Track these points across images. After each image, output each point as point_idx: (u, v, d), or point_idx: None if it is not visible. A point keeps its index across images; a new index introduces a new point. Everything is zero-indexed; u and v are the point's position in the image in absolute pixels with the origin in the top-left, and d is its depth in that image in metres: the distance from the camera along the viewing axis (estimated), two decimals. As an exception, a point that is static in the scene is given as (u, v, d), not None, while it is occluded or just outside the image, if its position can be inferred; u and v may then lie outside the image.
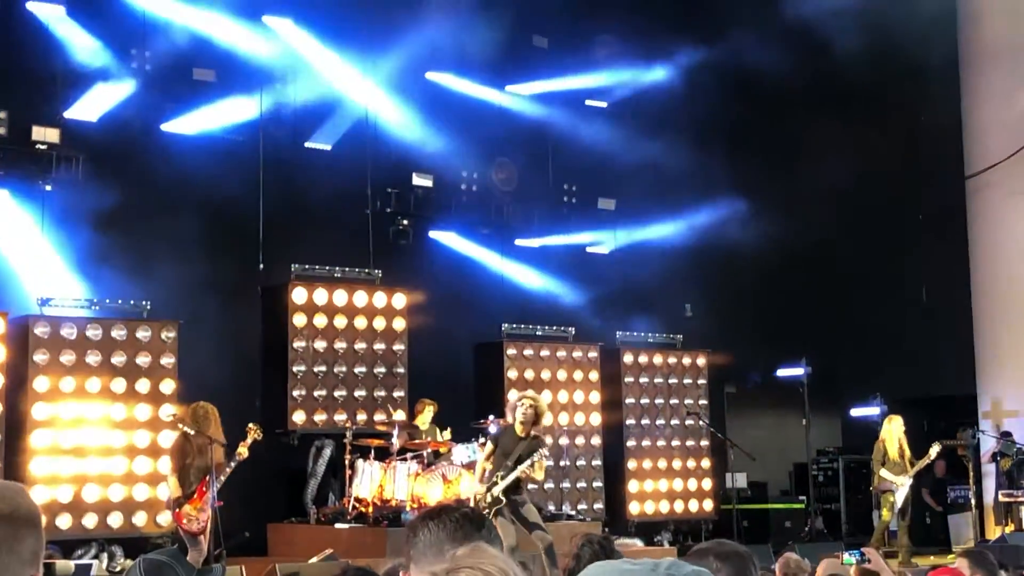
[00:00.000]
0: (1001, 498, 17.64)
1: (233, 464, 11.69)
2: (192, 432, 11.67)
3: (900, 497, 15.53)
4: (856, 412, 19.40)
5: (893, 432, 15.74)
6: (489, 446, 11.96)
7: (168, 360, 14.26)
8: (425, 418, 14.90)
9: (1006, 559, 11.45)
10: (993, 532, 17.12)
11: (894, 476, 15.48)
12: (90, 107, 14.91)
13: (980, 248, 19.21)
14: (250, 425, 11.88)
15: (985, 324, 19.08)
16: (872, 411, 17.69)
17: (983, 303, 19.13)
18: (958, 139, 19.44)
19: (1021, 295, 18.66)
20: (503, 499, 11.55)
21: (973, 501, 17.41)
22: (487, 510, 11.36)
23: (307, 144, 16.63)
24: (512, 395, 13.56)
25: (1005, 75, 19.01)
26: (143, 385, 14.06)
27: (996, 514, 17.85)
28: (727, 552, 3.54)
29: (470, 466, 14.26)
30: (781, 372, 18.76)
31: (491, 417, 14.81)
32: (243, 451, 11.67)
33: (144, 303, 14.37)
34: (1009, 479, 17.68)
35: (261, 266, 15.82)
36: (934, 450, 15.83)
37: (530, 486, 12.71)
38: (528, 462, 11.52)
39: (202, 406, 11.93)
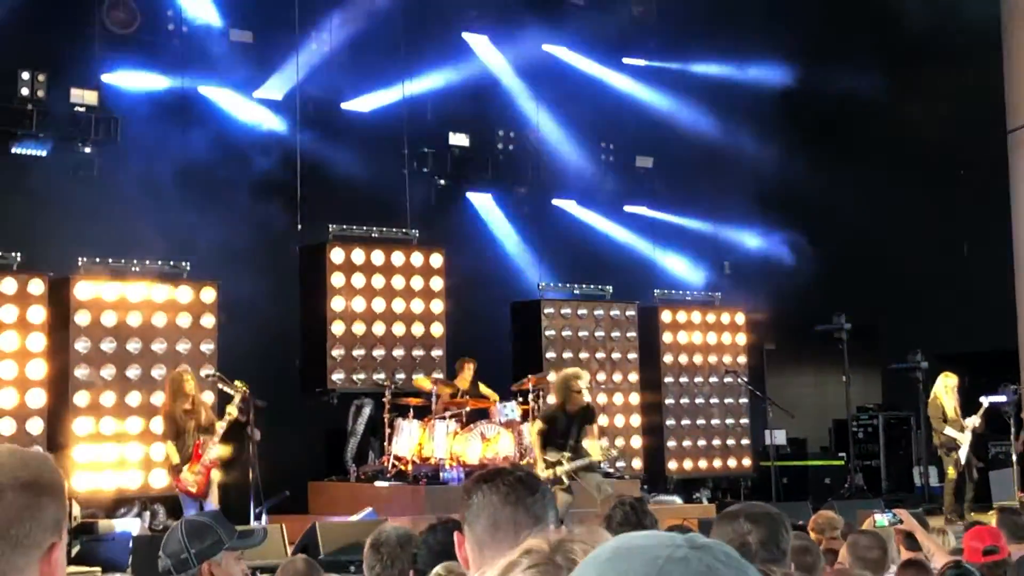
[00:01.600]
0: (1042, 454, 17.54)
1: (224, 425, 11.88)
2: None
3: (963, 455, 15.45)
4: (896, 367, 19.28)
5: (949, 388, 15.60)
6: (540, 424, 12.35)
7: (208, 320, 14.37)
8: (466, 376, 14.96)
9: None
10: (1035, 488, 17.04)
11: (956, 433, 15.39)
12: (129, 70, 14.97)
13: (1021, 202, 19.00)
14: (236, 383, 12.01)
15: (1027, 279, 18.91)
16: (912, 367, 17.57)
17: (1024, 257, 18.95)
18: (1000, 93, 19.22)
19: (1063, 249, 18.47)
20: (566, 481, 11.95)
21: (1014, 457, 17.32)
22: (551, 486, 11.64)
23: (344, 105, 16.65)
24: (551, 377, 13.84)
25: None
26: (183, 345, 14.19)
27: (1037, 470, 17.75)
28: (758, 514, 3.53)
29: (509, 424, 14.34)
30: (820, 328, 18.66)
31: (530, 377, 14.88)
32: (232, 411, 11.85)
33: (184, 264, 14.48)
34: (1051, 435, 17.57)
35: (299, 226, 15.88)
36: (984, 405, 15.71)
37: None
38: (590, 459, 12.11)
39: (177, 373, 12.17)
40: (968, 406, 15.78)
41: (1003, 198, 19.12)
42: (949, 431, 15.42)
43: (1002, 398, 16.73)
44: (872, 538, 6.14)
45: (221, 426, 11.95)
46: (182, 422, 11.93)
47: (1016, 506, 12.83)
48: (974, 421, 15.59)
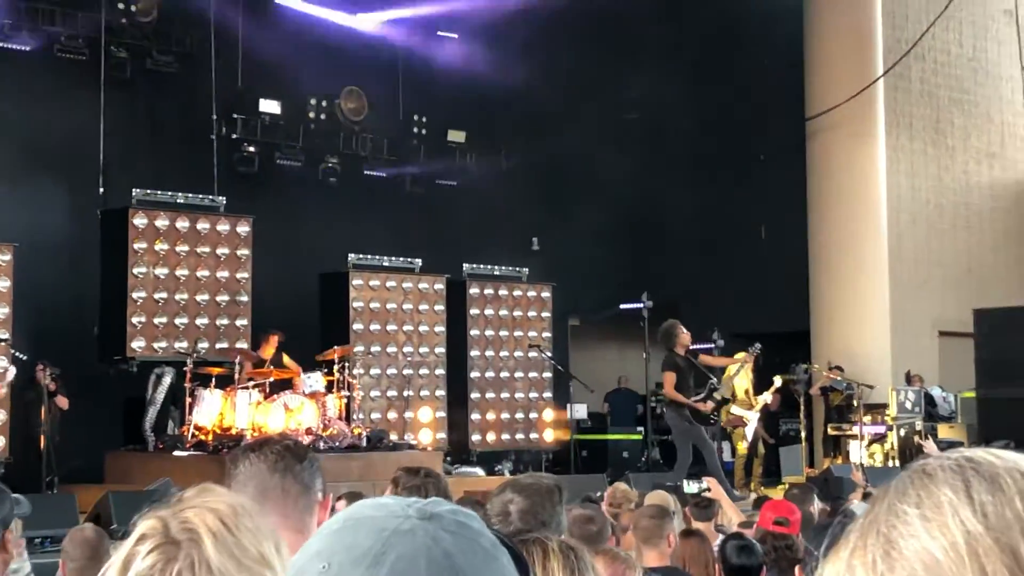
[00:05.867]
0: (830, 431, 18.27)
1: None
2: None
3: (750, 432, 15.95)
4: (695, 347, 19.81)
5: (741, 369, 16.07)
6: (672, 377, 14.01)
7: (3, 284, 13.90)
8: (270, 349, 14.84)
9: (830, 491, 11.89)
10: (822, 464, 17.73)
11: (743, 411, 15.89)
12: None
13: (817, 188, 19.73)
14: (39, 365, 11.99)
15: (820, 263, 19.66)
16: (710, 345, 18.10)
17: (818, 242, 19.69)
18: (800, 81, 19.87)
19: (854, 235, 19.26)
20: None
21: (803, 434, 18.00)
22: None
23: (151, 65, 16.28)
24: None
25: (848, 19, 19.45)
26: (-25, 309, 13.71)
27: (825, 447, 18.48)
28: (525, 485, 3.66)
29: (313, 395, 14.28)
30: (624, 306, 19.05)
31: (335, 348, 14.87)
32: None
33: (-23, 225, 13.98)
34: (838, 413, 18.30)
35: (101, 189, 15.47)
36: (776, 383, 16.27)
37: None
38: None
39: None
40: (762, 385, 16.32)
41: (800, 183, 19.81)
42: (735, 410, 15.94)
43: (787, 376, 17.37)
44: (648, 508, 6.38)
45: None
46: None
47: (803, 481, 13.40)
48: (765, 398, 16.14)
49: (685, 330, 14.19)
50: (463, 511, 1.32)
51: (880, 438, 17.72)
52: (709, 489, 8.56)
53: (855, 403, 17.90)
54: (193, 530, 1.65)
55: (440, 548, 1.25)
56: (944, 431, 18.12)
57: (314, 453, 2.92)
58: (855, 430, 17.73)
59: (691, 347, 14.45)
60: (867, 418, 17.77)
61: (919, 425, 17.87)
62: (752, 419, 15.94)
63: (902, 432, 17.62)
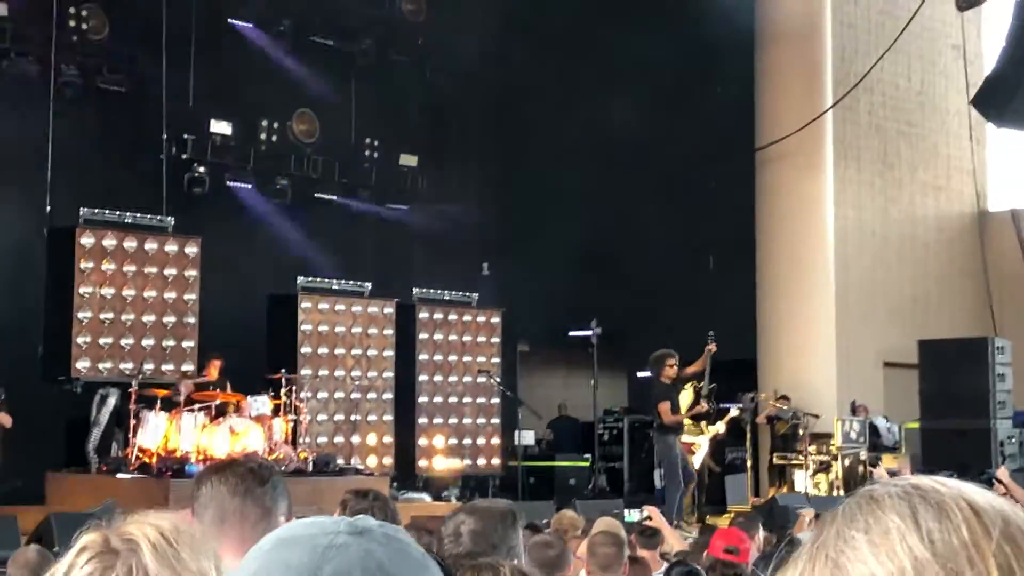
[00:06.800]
0: (775, 460, 18.36)
1: None
2: None
3: (698, 459, 15.99)
4: (642, 374, 19.88)
5: (689, 396, 16.15)
6: (667, 403, 14.50)
7: (-55, 302, 13.78)
8: (212, 373, 14.76)
9: (775, 520, 11.96)
10: (767, 493, 17.81)
11: (695, 437, 15.95)
12: None
13: (765, 219, 19.86)
14: None
15: (767, 292, 19.77)
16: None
17: (765, 272, 19.81)
18: (751, 111, 20.02)
19: (800, 266, 19.40)
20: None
21: (749, 463, 18.08)
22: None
23: (101, 84, 16.18)
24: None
25: (798, 51, 19.65)
26: (-82, 327, 13.56)
27: (771, 476, 18.57)
28: (479, 508, 3.68)
29: (259, 419, 14.19)
30: (573, 333, 19.09)
31: (283, 371, 14.81)
32: None
33: (-79, 242, 13.83)
34: (784, 442, 18.40)
35: (48, 208, 15.36)
36: (732, 413, 16.35)
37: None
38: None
39: None
40: (716, 414, 16.38)
41: (749, 213, 19.94)
42: (686, 437, 15.99)
43: (739, 405, 17.46)
44: (606, 536, 6.37)
45: None
46: None
47: (748, 510, 13.47)
48: (718, 427, 16.21)
49: (674, 364, 14.83)
50: (391, 526, 1.37)
51: (825, 467, 17.83)
52: (650, 518, 8.57)
53: (800, 432, 18.01)
54: (133, 540, 1.67)
55: (374, 560, 1.29)
56: (888, 461, 18.23)
57: (279, 476, 2.91)
58: (800, 459, 17.84)
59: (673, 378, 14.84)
60: (812, 447, 17.89)
61: (864, 455, 17.99)
62: (702, 446, 16.00)
63: (847, 462, 17.74)
